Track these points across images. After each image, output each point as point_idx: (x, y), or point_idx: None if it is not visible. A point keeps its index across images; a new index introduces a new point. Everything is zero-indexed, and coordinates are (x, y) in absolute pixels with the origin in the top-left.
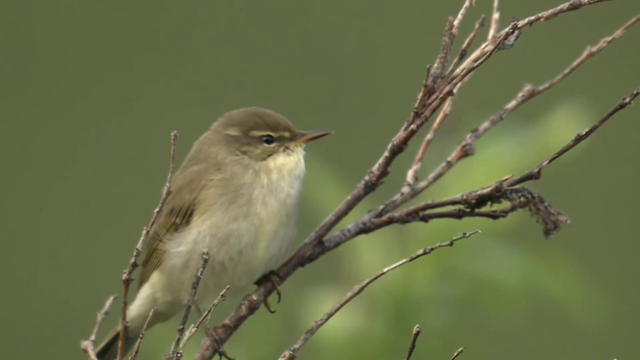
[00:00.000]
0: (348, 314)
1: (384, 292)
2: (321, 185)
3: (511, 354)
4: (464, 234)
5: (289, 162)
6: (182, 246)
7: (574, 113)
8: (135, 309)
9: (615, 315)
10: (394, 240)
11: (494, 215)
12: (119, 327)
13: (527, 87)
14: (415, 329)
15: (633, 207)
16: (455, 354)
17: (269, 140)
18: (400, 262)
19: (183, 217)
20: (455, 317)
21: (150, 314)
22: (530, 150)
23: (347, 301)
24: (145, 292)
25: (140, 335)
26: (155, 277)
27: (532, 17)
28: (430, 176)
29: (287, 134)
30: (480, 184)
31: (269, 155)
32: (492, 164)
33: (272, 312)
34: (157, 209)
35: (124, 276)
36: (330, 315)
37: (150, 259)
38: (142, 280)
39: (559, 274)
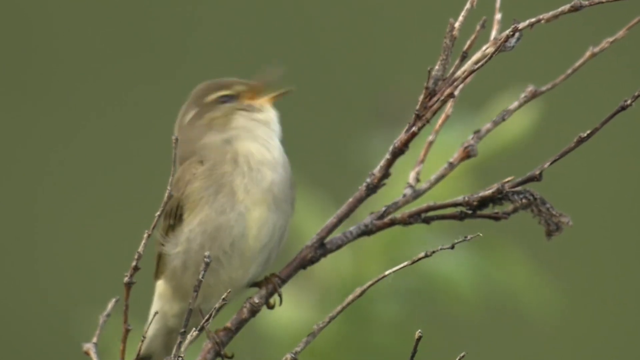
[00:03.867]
0: (300, 305)
1: (335, 283)
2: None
3: (466, 344)
4: (465, 237)
5: (260, 124)
6: (179, 247)
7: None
8: (150, 330)
9: (569, 310)
10: None
11: (496, 217)
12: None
13: (530, 88)
14: (417, 334)
15: (587, 201)
16: (457, 358)
17: (226, 100)
18: (402, 265)
19: (175, 217)
20: (407, 309)
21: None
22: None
23: (348, 304)
24: (154, 307)
25: (142, 338)
26: (161, 285)
27: (533, 19)
28: (432, 177)
29: (242, 87)
30: (433, 171)
31: (233, 115)
32: (444, 152)
33: (271, 308)
34: (158, 212)
35: (126, 279)
36: (332, 317)
37: (159, 266)
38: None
39: (509, 268)
